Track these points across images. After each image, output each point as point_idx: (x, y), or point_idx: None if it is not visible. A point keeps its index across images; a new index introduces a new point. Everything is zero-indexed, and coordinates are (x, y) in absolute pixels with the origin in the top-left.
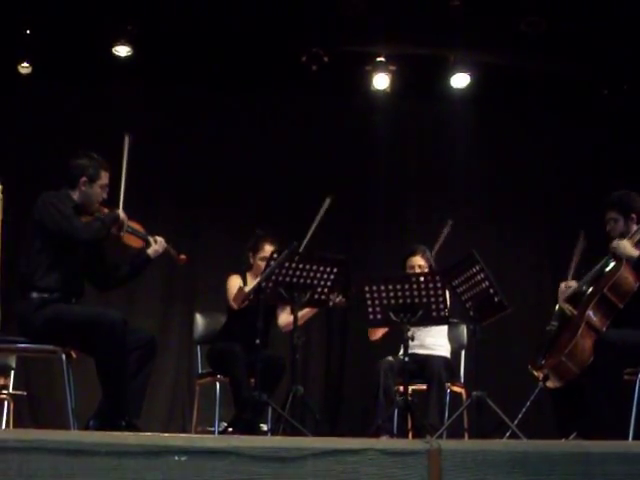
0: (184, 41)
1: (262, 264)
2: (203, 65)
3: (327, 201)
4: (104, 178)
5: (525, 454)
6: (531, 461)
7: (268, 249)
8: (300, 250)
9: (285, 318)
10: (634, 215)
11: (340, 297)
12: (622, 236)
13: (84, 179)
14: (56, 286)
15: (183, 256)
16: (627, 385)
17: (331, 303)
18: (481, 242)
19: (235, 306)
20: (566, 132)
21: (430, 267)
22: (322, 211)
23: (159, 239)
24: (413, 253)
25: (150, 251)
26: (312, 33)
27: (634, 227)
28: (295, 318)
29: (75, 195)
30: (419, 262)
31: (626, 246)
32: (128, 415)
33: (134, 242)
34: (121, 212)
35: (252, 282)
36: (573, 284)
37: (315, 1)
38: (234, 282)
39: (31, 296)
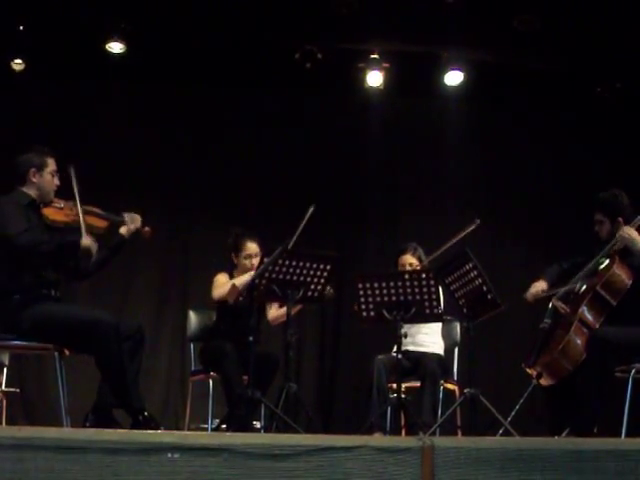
0: (177, 38)
1: (247, 262)
2: (195, 62)
3: (310, 209)
4: (51, 164)
5: (518, 451)
6: (524, 458)
7: (250, 246)
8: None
9: (274, 312)
10: (621, 219)
11: (329, 289)
12: (610, 237)
13: (33, 170)
14: (34, 283)
15: (147, 228)
16: (620, 382)
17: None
18: (474, 240)
19: (230, 300)
20: (560, 130)
21: (421, 265)
22: (306, 219)
23: (133, 216)
24: (404, 251)
25: (123, 230)
26: (305, 30)
27: (622, 229)
28: (288, 313)
29: (29, 190)
30: (410, 260)
31: (633, 236)
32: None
33: (99, 222)
34: (85, 239)
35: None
36: (542, 285)
37: None
38: (222, 278)
39: (13, 297)
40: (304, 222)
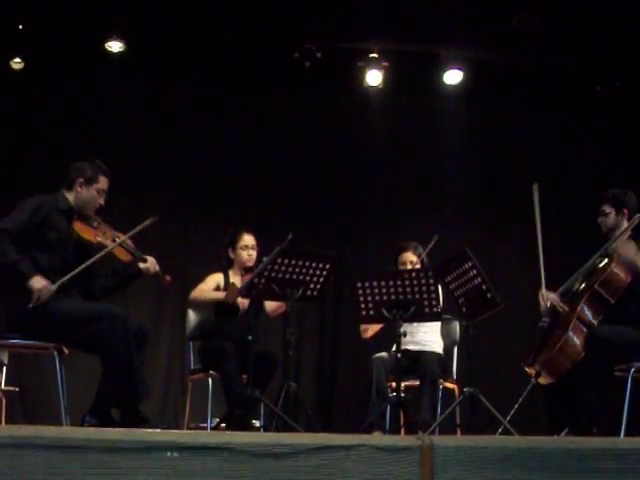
0: (176, 37)
1: (244, 253)
2: (194, 61)
3: (277, 249)
4: (102, 183)
5: (517, 450)
6: (523, 457)
7: (247, 238)
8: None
9: (272, 304)
10: (626, 210)
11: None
12: (611, 230)
13: (81, 180)
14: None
15: (168, 277)
16: (619, 381)
17: None
18: (474, 239)
19: (230, 301)
20: (560, 129)
21: (422, 263)
22: (272, 256)
23: (151, 259)
24: (404, 249)
25: (142, 266)
26: (305, 29)
27: (624, 223)
28: (287, 312)
29: (70, 196)
30: (411, 258)
31: (630, 248)
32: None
33: (123, 256)
34: (37, 283)
35: (235, 278)
36: (552, 295)
37: None
38: (210, 281)
39: (20, 293)
40: (270, 258)
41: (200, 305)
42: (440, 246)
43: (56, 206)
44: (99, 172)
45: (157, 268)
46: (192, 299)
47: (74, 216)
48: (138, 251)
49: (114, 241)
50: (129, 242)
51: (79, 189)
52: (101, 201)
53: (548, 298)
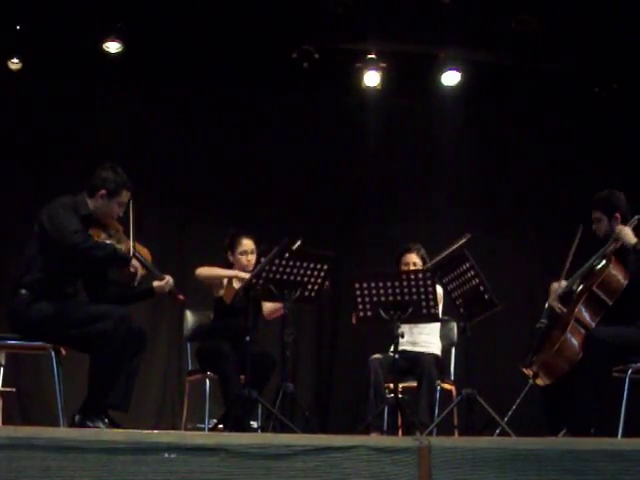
0: (174, 38)
1: (243, 259)
2: (193, 62)
3: (275, 250)
4: (124, 196)
5: (515, 451)
6: (521, 458)
7: (246, 243)
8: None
9: (269, 306)
10: (618, 215)
11: (326, 282)
12: (607, 236)
13: (103, 192)
14: (47, 286)
15: (181, 297)
16: (617, 382)
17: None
18: (473, 239)
19: (227, 301)
20: (557, 130)
21: (424, 265)
22: (269, 257)
23: (168, 277)
24: (408, 250)
25: (156, 285)
26: (303, 30)
27: (618, 227)
28: (285, 314)
29: (91, 204)
30: (414, 259)
31: (628, 232)
32: (115, 408)
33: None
34: (136, 263)
35: (236, 281)
36: (564, 284)
37: None
38: (216, 266)
39: (20, 292)
40: (268, 258)
41: (206, 280)
42: (439, 246)
43: (77, 211)
44: (122, 186)
45: (172, 287)
46: (198, 274)
47: (92, 223)
48: (155, 267)
49: (128, 251)
50: (147, 256)
51: (100, 200)
52: (120, 213)
53: (551, 292)
